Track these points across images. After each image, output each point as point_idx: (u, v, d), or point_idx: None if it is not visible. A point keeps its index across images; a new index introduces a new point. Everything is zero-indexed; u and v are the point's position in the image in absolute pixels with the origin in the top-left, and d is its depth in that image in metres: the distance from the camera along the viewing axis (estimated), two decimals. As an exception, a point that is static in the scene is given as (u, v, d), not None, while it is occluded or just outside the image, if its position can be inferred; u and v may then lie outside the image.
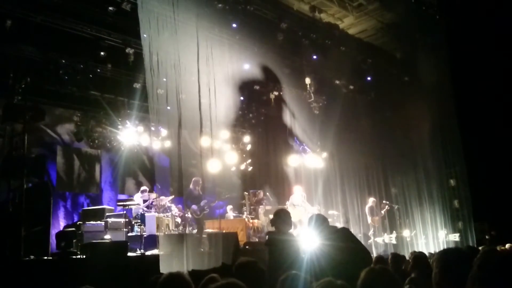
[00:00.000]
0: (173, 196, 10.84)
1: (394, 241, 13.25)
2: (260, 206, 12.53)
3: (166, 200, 10.59)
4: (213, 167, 12.39)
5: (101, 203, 11.56)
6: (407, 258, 6.91)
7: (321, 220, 4.45)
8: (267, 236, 5.04)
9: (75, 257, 7.53)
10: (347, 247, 4.12)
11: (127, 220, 9.18)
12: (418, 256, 4.62)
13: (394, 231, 13.67)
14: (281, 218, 4.78)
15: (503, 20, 12.69)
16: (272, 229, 4.94)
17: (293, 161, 13.98)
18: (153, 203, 10.53)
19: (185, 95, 10.38)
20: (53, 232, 8.60)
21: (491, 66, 13.77)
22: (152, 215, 9.83)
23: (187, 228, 10.30)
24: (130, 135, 11.69)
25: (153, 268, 7.22)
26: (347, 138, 13.92)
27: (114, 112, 11.68)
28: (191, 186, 10.57)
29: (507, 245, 8.17)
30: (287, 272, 2.89)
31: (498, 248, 7.22)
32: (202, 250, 9.16)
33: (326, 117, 13.68)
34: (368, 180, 14.69)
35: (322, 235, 4.29)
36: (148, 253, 8.43)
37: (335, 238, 4.29)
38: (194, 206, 10.38)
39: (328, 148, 13.91)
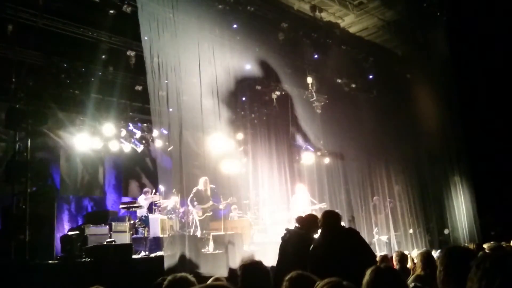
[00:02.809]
0: (177, 198, 10.83)
1: (398, 239, 13.23)
2: (264, 206, 12.54)
3: (172, 202, 10.59)
4: (215, 168, 12.41)
5: (105, 206, 11.59)
6: (412, 256, 6.91)
7: (328, 218, 4.41)
8: (285, 231, 5.03)
9: (79, 260, 7.55)
10: (350, 246, 4.11)
11: (131, 222, 9.20)
12: (423, 254, 4.61)
13: (398, 229, 13.65)
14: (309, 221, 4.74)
15: (504, 17, 12.65)
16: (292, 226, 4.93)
17: (296, 160, 13.98)
18: (157, 205, 10.54)
19: (186, 97, 10.38)
20: (58, 235, 8.63)
21: (493, 62, 13.73)
22: (156, 217, 9.85)
23: (192, 229, 10.30)
24: (132, 138, 11.72)
25: (158, 270, 7.23)
26: (349, 136, 13.89)
27: (116, 114, 11.70)
28: (199, 185, 10.41)
29: (513, 242, 8.12)
30: (292, 270, 2.89)
31: (503, 244, 7.19)
32: (207, 251, 9.17)
33: (329, 116, 13.66)
34: (371, 178, 14.66)
35: (326, 234, 4.27)
36: (153, 255, 8.44)
37: (339, 237, 4.28)
38: (197, 207, 10.33)
39: (331, 146, 13.90)
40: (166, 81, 9.75)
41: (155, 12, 9.55)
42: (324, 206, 11.89)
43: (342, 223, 11.69)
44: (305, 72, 13.38)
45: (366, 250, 4.27)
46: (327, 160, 13.97)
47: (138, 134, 11.82)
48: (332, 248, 4.07)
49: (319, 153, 13.90)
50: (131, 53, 10.52)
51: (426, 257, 4.46)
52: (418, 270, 4.43)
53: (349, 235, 4.35)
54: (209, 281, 3.13)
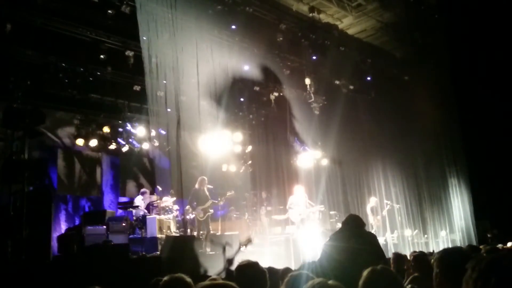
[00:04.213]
0: (175, 198, 10.82)
1: (395, 241, 13.24)
2: (262, 207, 12.54)
3: (169, 202, 10.57)
4: (213, 168, 12.39)
5: (102, 206, 11.57)
6: (409, 257, 6.92)
7: (348, 222, 4.42)
8: None
9: (76, 260, 7.53)
10: (348, 247, 4.12)
11: (128, 222, 9.18)
12: (418, 256, 4.62)
13: (395, 231, 13.66)
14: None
15: (502, 18, 12.70)
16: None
17: (293, 162, 13.99)
18: (154, 205, 10.52)
19: (185, 97, 10.39)
20: (55, 235, 8.61)
21: (491, 64, 13.78)
22: (153, 217, 9.83)
23: (188, 230, 10.28)
24: (130, 138, 11.70)
25: (155, 270, 7.22)
26: (347, 138, 13.91)
27: (114, 114, 11.70)
28: (197, 185, 10.31)
29: (509, 244, 8.15)
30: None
31: (500, 246, 7.22)
32: (204, 251, 9.16)
33: (327, 117, 13.68)
34: (368, 180, 14.68)
35: (342, 231, 4.29)
36: (150, 255, 8.43)
37: (336, 238, 4.29)
38: (198, 209, 10.18)
39: (329, 148, 13.91)
40: (165, 81, 9.76)
41: (154, 12, 9.56)
42: (322, 208, 11.90)
43: (339, 224, 11.59)
44: (303, 73, 13.40)
45: (378, 253, 4.27)
46: (324, 161, 13.98)
47: (136, 134, 11.81)
48: (344, 246, 4.08)
49: (317, 154, 13.91)
50: (129, 53, 10.52)
51: (419, 259, 4.46)
52: (412, 272, 4.43)
53: (365, 237, 4.33)
54: (206, 282, 3.12)
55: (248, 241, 8.83)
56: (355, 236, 4.30)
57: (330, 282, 2.17)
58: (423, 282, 3.89)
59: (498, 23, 13.06)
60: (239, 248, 8.63)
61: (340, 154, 14.22)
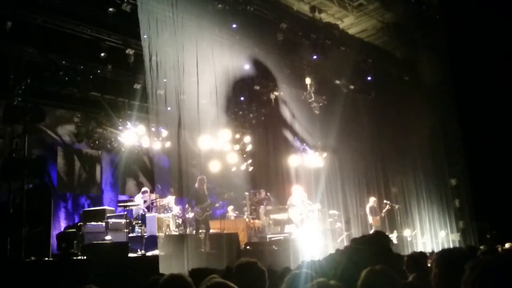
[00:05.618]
0: (174, 197, 10.82)
1: (395, 241, 13.24)
2: (261, 206, 12.55)
3: (169, 201, 10.57)
4: (213, 167, 12.41)
5: (101, 204, 11.57)
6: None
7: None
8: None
9: (76, 258, 7.54)
10: (348, 247, 4.12)
11: (128, 221, 9.18)
12: (413, 256, 4.61)
13: (395, 231, 13.67)
14: None
15: (503, 18, 12.69)
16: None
17: (293, 161, 13.99)
18: (154, 204, 10.52)
19: (185, 96, 10.38)
20: (54, 233, 8.61)
21: (491, 65, 13.76)
22: (152, 216, 9.83)
23: (188, 228, 10.29)
24: (130, 136, 11.70)
25: (154, 269, 7.22)
26: (347, 138, 13.92)
27: (115, 113, 11.69)
28: (196, 185, 10.32)
29: (507, 245, 8.15)
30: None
31: (498, 247, 7.21)
32: (203, 250, 9.17)
33: (327, 117, 13.68)
34: (368, 180, 14.68)
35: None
36: (149, 253, 8.43)
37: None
38: (196, 208, 10.19)
39: (329, 148, 13.92)
40: (165, 80, 9.76)
41: (155, 10, 9.56)
42: (319, 206, 11.90)
43: (338, 224, 11.53)
44: (304, 73, 13.40)
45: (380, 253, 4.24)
46: (324, 161, 13.98)
47: (136, 132, 11.80)
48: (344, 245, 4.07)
49: (316, 154, 13.91)
50: (130, 51, 10.52)
51: (414, 259, 4.45)
52: (408, 272, 4.42)
53: (366, 237, 4.30)
54: (205, 281, 3.13)
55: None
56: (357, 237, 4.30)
57: (331, 282, 2.17)
58: (421, 282, 3.89)
59: (499, 23, 13.04)
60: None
61: (339, 154, 14.22)
